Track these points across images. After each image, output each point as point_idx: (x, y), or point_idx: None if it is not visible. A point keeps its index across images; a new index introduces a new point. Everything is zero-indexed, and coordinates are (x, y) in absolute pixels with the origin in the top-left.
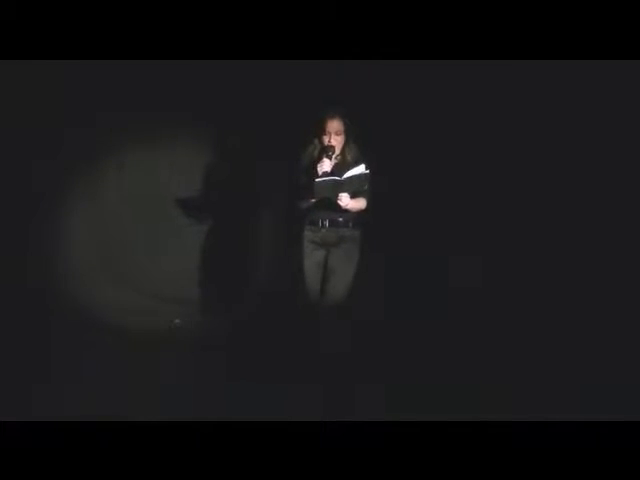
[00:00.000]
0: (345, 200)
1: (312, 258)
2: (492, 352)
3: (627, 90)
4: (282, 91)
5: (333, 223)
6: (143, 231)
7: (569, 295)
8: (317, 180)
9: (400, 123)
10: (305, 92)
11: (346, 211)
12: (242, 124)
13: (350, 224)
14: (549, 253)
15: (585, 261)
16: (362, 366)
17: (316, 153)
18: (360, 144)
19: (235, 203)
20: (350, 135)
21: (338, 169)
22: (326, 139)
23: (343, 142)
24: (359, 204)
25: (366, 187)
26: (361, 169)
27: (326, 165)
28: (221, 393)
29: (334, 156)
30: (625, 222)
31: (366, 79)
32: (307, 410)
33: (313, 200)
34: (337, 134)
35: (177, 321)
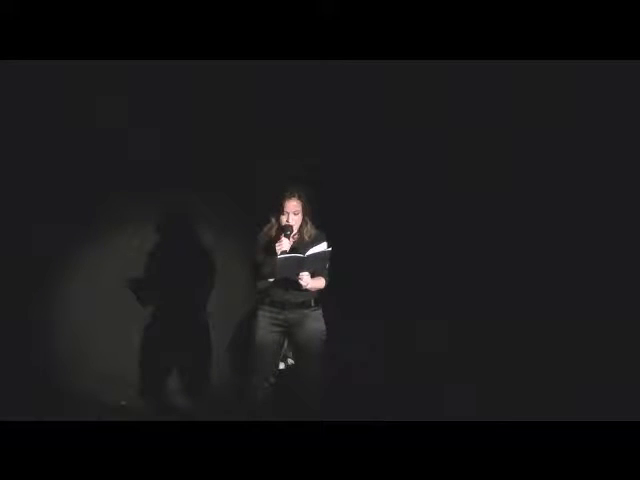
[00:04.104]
0: (306, 279)
1: (270, 337)
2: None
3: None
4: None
5: (295, 305)
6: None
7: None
8: (280, 257)
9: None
10: None
11: (305, 290)
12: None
13: (312, 302)
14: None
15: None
16: None
17: (273, 232)
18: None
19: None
20: (307, 214)
21: (296, 248)
22: (284, 218)
23: (300, 221)
24: (318, 283)
25: (327, 266)
26: (323, 247)
27: (285, 244)
28: None
29: (292, 235)
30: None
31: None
32: None
33: (271, 280)
34: (295, 213)
35: (123, 403)
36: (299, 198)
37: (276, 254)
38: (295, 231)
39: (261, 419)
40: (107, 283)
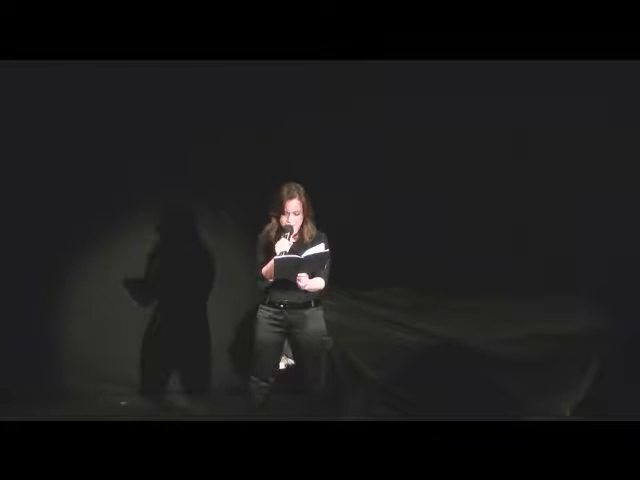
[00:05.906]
0: (304, 280)
1: (270, 337)
2: None
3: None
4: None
5: (295, 305)
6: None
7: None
8: (277, 258)
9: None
10: None
11: (304, 291)
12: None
13: (312, 303)
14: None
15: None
16: None
17: (274, 233)
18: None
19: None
20: (308, 214)
21: (296, 248)
22: (284, 219)
23: (301, 222)
24: (317, 284)
25: (325, 267)
26: (321, 248)
27: (285, 244)
28: None
29: (292, 235)
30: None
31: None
32: None
33: (272, 280)
34: (295, 214)
35: (123, 403)
36: (300, 198)
37: (276, 255)
38: (296, 231)
39: (261, 419)
40: (107, 284)
